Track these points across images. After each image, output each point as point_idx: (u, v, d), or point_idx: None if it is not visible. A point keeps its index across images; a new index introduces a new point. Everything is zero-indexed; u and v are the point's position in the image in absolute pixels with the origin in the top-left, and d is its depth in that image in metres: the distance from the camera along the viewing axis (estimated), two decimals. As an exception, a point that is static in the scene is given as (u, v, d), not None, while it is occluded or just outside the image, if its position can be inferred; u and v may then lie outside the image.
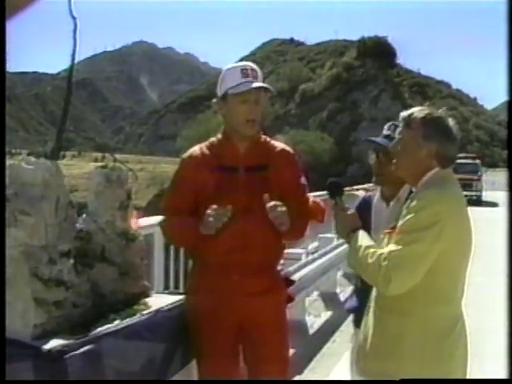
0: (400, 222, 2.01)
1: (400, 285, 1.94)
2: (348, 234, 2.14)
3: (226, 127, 2.57)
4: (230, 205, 2.30)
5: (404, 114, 2.13)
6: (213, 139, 2.60)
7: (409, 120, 2.10)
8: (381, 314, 2.11)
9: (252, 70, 2.49)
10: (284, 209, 2.36)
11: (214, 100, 2.58)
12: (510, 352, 4.14)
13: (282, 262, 2.77)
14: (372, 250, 2.00)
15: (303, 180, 2.61)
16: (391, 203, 2.69)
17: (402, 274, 1.93)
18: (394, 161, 2.16)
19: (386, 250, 1.98)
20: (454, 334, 2.06)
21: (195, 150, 2.59)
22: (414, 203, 2.00)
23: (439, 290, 2.03)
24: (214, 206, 2.32)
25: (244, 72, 2.46)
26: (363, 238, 2.09)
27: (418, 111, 2.10)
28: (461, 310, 2.14)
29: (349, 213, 2.20)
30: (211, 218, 2.31)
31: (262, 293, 2.46)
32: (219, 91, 2.52)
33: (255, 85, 2.45)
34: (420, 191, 2.05)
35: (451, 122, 2.10)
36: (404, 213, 2.03)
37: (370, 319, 2.16)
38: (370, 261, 1.97)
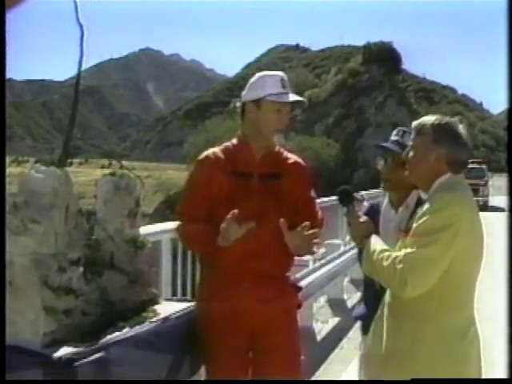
0: (414, 225, 2.03)
1: (416, 287, 1.95)
2: (362, 241, 2.18)
3: (245, 131, 2.56)
4: (235, 210, 2.29)
5: (415, 122, 2.18)
6: (228, 144, 2.59)
7: (419, 127, 2.15)
8: (395, 319, 2.11)
9: (287, 81, 2.56)
10: (310, 232, 2.35)
11: (238, 103, 2.57)
12: (511, 353, 4.13)
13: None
14: (387, 254, 2.02)
15: (313, 193, 2.66)
16: (400, 209, 2.69)
17: (417, 276, 1.94)
18: (407, 166, 2.19)
19: (400, 252, 1.99)
20: (469, 337, 2.07)
21: (210, 152, 2.57)
22: (427, 206, 2.02)
23: (454, 294, 2.04)
24: (228, 216, 2.30)
25: (283, 83, 2.52)
26: (377, 243, 2.12)
27: (427, 118, 2.16)
28: (473, 313, 2.14)
29: (362, 220, 2.25)
30: (226, 232, 2.31)
31: (272, 299, 2.47)
32: (252, 95, 2.51)
33: (294, 98, 2.53)
34: (433, 195, 2.07)
35: (461, 128, 2.13)
36: (418, 215, 2.04)
37: (381, 326, 2.16)
38: (385, 264, 1.99)
